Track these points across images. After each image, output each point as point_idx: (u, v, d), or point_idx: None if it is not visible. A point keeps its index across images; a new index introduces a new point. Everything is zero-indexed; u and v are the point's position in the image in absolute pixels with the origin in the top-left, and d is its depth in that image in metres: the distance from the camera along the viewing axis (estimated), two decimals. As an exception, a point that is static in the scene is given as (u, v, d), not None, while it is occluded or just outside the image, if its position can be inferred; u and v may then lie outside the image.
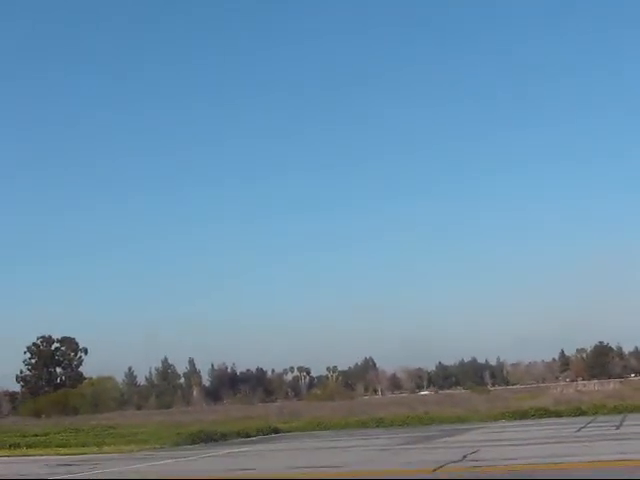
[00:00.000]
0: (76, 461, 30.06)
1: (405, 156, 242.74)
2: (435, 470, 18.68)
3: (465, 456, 21.77)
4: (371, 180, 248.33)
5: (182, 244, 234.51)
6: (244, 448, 32.55)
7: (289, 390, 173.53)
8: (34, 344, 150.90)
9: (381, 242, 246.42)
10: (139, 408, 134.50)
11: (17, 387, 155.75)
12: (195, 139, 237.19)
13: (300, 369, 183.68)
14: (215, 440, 38.51)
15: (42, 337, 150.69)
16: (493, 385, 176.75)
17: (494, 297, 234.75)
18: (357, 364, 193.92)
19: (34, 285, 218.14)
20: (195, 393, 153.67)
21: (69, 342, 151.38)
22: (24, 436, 48.58)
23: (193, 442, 37.18)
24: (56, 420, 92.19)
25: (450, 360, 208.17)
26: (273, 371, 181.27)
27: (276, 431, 44.23)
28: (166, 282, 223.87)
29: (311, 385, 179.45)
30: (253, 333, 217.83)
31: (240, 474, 21.70)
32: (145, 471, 24.72)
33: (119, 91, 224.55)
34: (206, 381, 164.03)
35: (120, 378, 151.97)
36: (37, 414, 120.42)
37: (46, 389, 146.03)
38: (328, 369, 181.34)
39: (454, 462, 20.34)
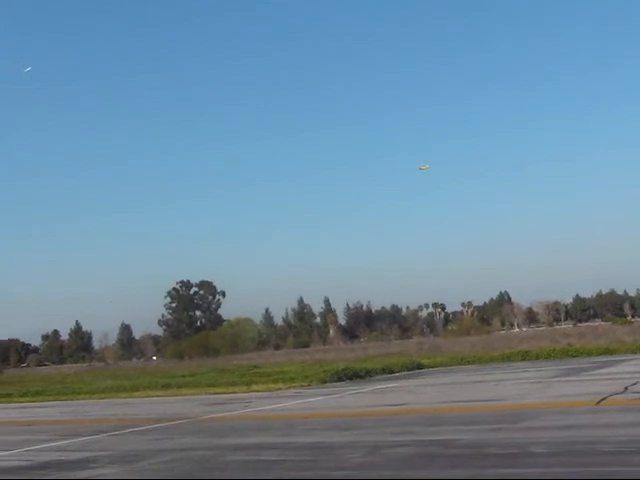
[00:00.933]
0: (228, 400, 30.65)
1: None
2: (599, 402, 18.05)
3: (626, 388, 21.00)
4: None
5: (318, 187, 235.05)
6: (391, 384, 32.48)
7: (424, 327, 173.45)
8: (174, 289, 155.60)
9: (518, 179, 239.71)
10: (277, 348, 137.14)
11: (160, 331, 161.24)
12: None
13: (435, 305, 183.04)
14: (360, 377, 38.62)
15: (181, 282, 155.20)
16: (633, 317, 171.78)
17: (632, 226, 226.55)
18: (492, 299, 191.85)
19: (172, 231, 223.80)
20: (331, 332, 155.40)
21: (207, 286, 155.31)
22: (172, 377, 50.04)
23: (339, 379, 37.38)
24: (199, 361, 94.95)
25: (587, 292, 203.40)
26: (408, 308, 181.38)
27: (419, 367, 44.04)
28: (301, 224, 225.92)
29: (446, 321, 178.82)
30: (387, 271, 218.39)
31: (394, 409, 21.59)
32: (299, 408, 24.96)
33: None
34: (342, 320, 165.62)
35: (258, 319, 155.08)
36: (180, 356, 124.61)
37: (187, 332, 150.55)
38: (463, 304, 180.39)
39: (616, 394, 19.64)
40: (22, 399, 44.41)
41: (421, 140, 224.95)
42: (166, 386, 40.73)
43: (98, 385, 48.23)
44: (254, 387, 36.42)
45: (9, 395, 47.82)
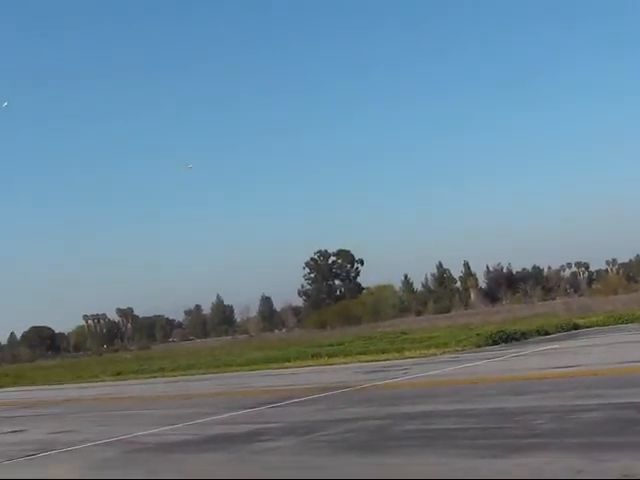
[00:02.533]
0: (384, 367, 29.99)
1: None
2: None
3: None
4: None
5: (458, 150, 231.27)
6: (551, 345, 31.09)
7: (567, 287, 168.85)
8: (312, 259, 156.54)
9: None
10: (418, 314, 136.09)
11: (300, 301, 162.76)
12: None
13: (578, 264, 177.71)
14: (515, 339, 37.31)
15: (319, 252, 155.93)
16: None
17: None
18: (638, 255, 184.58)
19: (305, 202, 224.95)
20: (472, 296, 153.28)
21: (345, 255, 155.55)
22: (319, 346, 49.83)
23: (494, 343, 36.18)
24: (341, 330, 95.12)
25: None
26: (549, 268, 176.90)
27: (575, 327, 42.27)
28: (436, 186, 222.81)
29: (590, 280, 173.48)
30: (527, 232, 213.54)
31: (567, 371, 20.42)
32: (461, 373, 24.10)
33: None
34: (482, 283, 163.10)
35: (397, 286, 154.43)
36: (322, 325, 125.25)
37: (327, 301, 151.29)
38: (607, 262, 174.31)
39: None
40: (174, 373, 45.08)
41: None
42: (316, 355, 40.45)
43: (247, 357, 48.46)
44: (407, 353, 35.66)
45: (161, 369, 48.77)
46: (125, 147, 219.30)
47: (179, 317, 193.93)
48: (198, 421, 18.91)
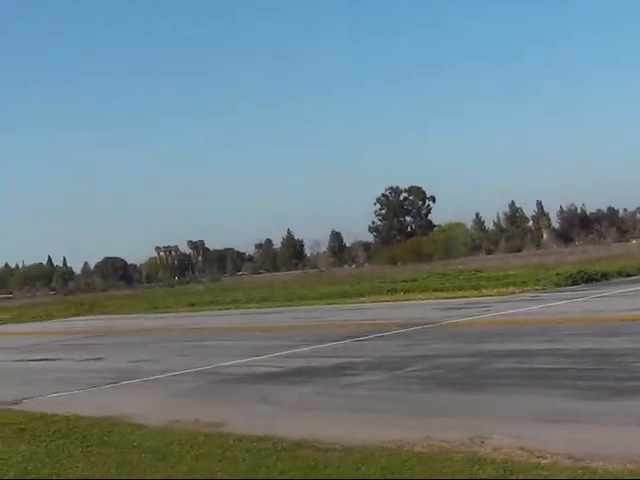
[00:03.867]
0: (463, 304, 29.46)
1: None
2: None
3: None
4: None
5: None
6: (635, 287, 30.09)
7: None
8: (383, 195, 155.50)
9: None
10: (489, 253, 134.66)
11: (370, 237, 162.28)
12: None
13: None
14: (596, 280, 36.34)
15: (390, 188, 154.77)
16: None
17: None
18: None
19: (379, 136, 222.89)
20: (544, 236, 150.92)
21: (416, 191, 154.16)
22: (392, 282, 49.43)
23: (574, 283, 35.29)
24: (413, 267, 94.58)
25: None
26: (625, 210, 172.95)
27: (657, 269, 41.00)
28: (506, 122, 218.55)
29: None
30: (602, 171, 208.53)
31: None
32: (545, 312, 23.50)
33: None
34: (555, 223, 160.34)
35: (468, 224, 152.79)
36: (392, 261, 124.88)
37: (397, 238, 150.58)
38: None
39: None
40: (248, 305, 45.15)
41: None
42: (392, 291, 40.08)
43: (320, 291, 48.36)
44: (484, 291, 35.05)
45: (235, 301, 48.88)
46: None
47: (249, 251, 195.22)
48: (279, 353, 18.70)
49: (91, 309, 62.21)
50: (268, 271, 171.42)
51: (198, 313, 42.75)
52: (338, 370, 14.87)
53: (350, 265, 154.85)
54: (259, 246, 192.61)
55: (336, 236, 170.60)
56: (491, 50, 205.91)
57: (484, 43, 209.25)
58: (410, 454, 8.16)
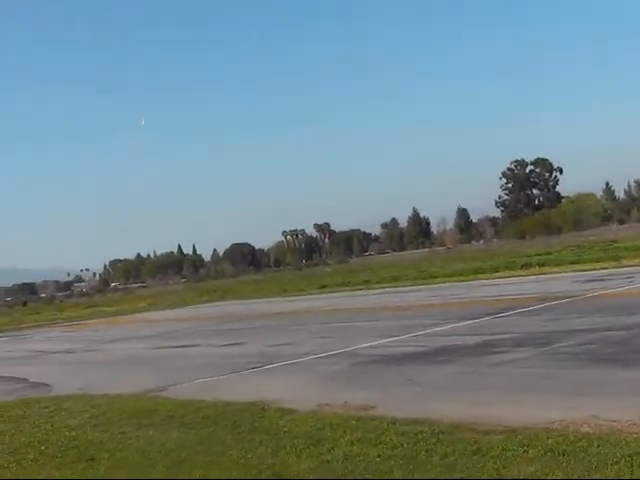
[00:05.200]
0: (603, 276, 28.43)
1: None
2: None
3: None
4: None
5: None
6: None
7: None
8: (508, 169, 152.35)
9: None
10: (621, 223, 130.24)
11: (497, 212, 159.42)
12: None
13: None
14: None
15: (515, 161, 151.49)
16: None
17: None
18: None
19: (499, 110, 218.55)
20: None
21: (543, 163, 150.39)
22: (525, 256, 48.34)
23: None
24: (542, 240, 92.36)
25: None
26: None
27: None
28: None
29: None
30: None
31: None
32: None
33: None
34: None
35: (598, 194, 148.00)
36: (521, 235, 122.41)
37: (525, 211, 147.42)
38: None
39: None
40: (379, 285, 44.95)
41: None
42: (526, 265, 39.14)
43: (452, 268, 47.74)
44: (624, 262, 33.78)
45: (366, 282, 48.75)
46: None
47: (375, 231, 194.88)
48: (419, 333, 18.33)
49: (223, 295, 63.21)
50: (394, 251, 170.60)
51: (330, 295, 42.73)
52: (483, 348, 14.40)
53: (477, 241, 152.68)
54: (385, 226, 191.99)
55: (462, 212, 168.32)
56: None
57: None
58: (578, 435, 7.68)
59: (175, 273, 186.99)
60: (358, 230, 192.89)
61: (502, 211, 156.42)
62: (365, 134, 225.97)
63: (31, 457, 9.89)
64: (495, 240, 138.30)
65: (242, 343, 21.93)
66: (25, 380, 19.48)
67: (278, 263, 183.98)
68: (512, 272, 37.33)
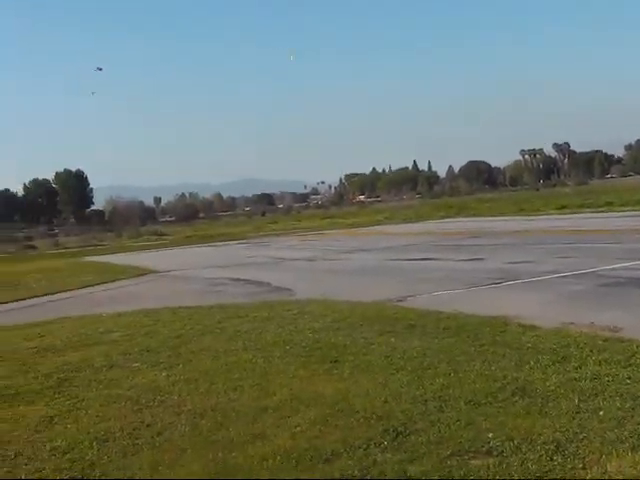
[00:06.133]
0: None
1: None
2: None
3: None
4: None
5: None
6: None
7: None
8: None
9: None
10: None
11: None
12: None
13: None
14: None
15: None
16: None
17: None
18: None
19: None
20: None
21: None
22: None
23: None
24: None
25: None
26: None
27: None
28: None
29: None
30: None
31: None
32: None
33: None
34: None
35: None
36: None
37: None
38: None
39: None
40: (622, 208, 43.13)
41: None
42: None
43: None
44: None
45: (608, 204, 47.06)
46: None
47: (618, 152, 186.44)
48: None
49: (459, 211, 62.95)
50: (638, 173, 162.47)
51: (569, 216, 41.46)
52: None
53: None
54: (629, 147, 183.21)
55: None
56: None
57: None
58: None
59: (410, 189, 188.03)
60: (600, 151, 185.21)
61: None
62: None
63: (277, 354, 10.36)
64: None
65: (481, 259, 21.73)
66: (268, 284, 20.34)
67: (514, 182, 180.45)
68: None
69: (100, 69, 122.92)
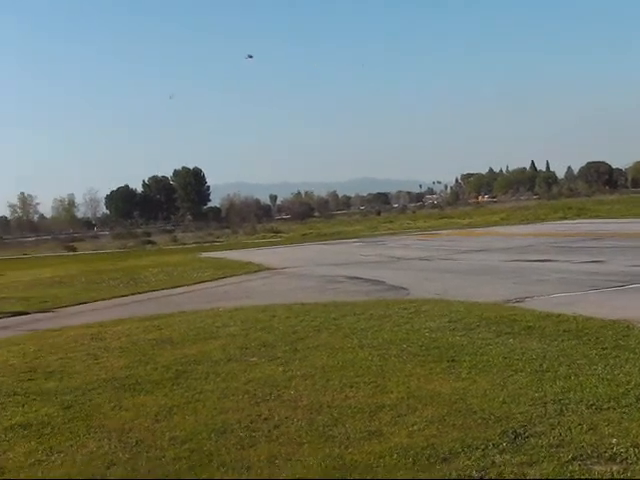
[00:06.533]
0: None
1: None
2: None
3: None
4: None
5: None
6: None
7: None
8: None
9: None
10: None
11: None
12: None
13: None
14: None
15: None
16: None
17: None
18: None
19: None
20: None
21: None
22: None
23: None
24: None
25: None
26: None
27: None
28: None
29: None
30: None
31: None
32: None
33: None
34: None
35: None
36: None
37: None
38: None
39: None
40: None
41: None
42: None
43: None
44: None
45: None
46: None
47: None
48: None
49: (578, 213, 61.44)
50: None
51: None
52: None
53: None
54: None
55: None
56: None
57: None
58: None
59: (527, 189, 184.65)
60: None
61: None
62: None
63: (394, 353, 10.33)
64: None
65: (601, 261, 21.18)
66: (383, 283, 20.31)
67: (636, 184, 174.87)
68: None
69: (251, 56, 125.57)
